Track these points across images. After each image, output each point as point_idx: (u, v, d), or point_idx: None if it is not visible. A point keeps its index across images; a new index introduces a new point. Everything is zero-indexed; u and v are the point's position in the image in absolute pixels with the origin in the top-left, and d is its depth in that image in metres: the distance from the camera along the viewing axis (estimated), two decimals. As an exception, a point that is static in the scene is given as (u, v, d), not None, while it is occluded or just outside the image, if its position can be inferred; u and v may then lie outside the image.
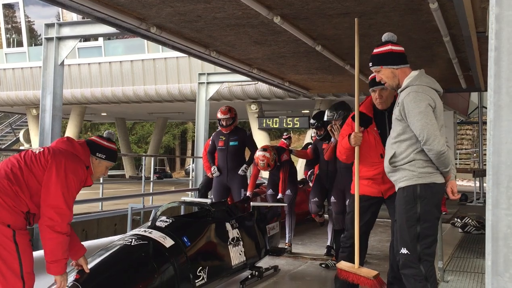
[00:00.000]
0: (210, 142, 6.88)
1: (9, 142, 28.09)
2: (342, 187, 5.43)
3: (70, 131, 22.10)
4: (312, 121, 5.89)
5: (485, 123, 18.36)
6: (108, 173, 3.42)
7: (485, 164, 1.72)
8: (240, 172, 6.54)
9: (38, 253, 2.97)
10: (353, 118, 3.72)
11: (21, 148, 22.44)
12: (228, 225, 4.36)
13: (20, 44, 20.86)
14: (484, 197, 12.88)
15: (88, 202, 8.06)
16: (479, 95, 18.17)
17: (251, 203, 5.31)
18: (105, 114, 25.72)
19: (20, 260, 2.78)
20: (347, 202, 5.34)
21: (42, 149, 3.03)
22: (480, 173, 14.00)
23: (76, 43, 6.97)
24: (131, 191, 15.43)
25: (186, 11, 4.85)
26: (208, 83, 10.26)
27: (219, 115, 6.54)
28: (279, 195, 6.16)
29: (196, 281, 3.61)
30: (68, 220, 2.89)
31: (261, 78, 8.43)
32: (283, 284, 4.88)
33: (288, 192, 6.34)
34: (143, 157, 20.72)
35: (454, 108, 17.54)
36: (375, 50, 3.35)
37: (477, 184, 14.08)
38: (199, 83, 10.36)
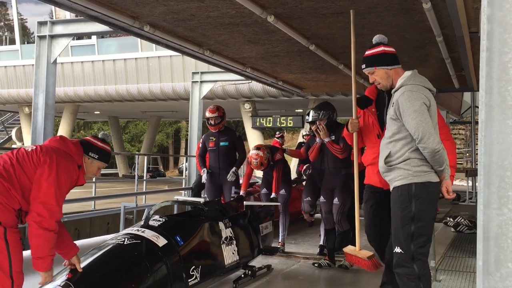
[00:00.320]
0: (200, 145, 6.87)
1: (1, 141, 27.96)
2: (330, 186, 5.45)
3: (63, 130, 22.03)
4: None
5: (477, 123, 18.37)
6: (101, 172, 3.41)
7: (478, 164, 1.72)
8: (228, 178, 6.39)
9: (27, 253, 2.95)
10: (358, 103, 3.80)
11: (13, 146, 22.32)
12: (221, 224, 4.35)
13: (12, 42, 20.77)
14: (476, 197, 12.90)
15: (81, 201, 8.02)
16: (472, 95, 18.23)
17: (244, 202, 5.32)
18: (98, 112, 25.65)
19: (10, 258, 2.76)
20: (334, 200, 5.37)
21: (35, 147, 3.02)
22: (472, 173, 14.01)
23: (69, 41, 6.95)
24: (124, 190, 15.42)
25: (180, 9, 4.84)
26: (201, 82, 10.24)
27: (208, 114, 6.55)
28: (273, 195, 6.17)
29: (189, 280, 3.60)
30: (56, 217, 2.88)
31: (254, 77, 8.42)
32: (276, 283, 4.89)
33: (282, 191, 6.34)
34: (136, 156, 20.72)
35: (447, 107, 17.62)
36: (367, 52, 3.36)
37: (470, 183, 14.13)
38: (193, 81, 10.33)
